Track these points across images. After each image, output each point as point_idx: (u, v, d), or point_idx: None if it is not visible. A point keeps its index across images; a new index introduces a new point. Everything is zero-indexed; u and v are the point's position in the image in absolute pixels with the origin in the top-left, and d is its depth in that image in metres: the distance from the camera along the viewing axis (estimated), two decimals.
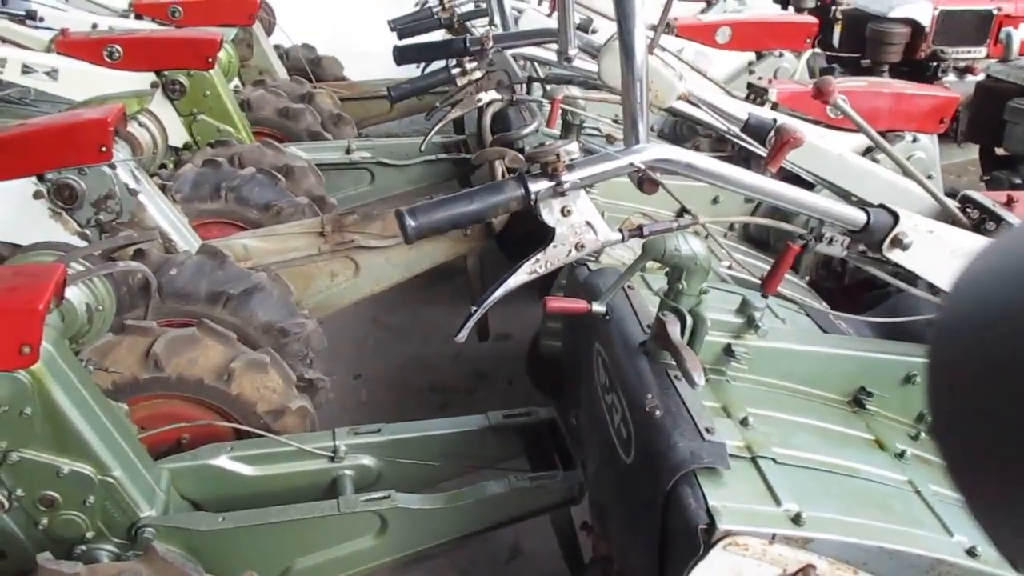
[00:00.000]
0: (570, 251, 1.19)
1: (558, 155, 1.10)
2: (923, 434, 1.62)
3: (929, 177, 2.47)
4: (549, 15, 3.41)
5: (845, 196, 1.77)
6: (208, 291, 2.23)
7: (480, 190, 1.14)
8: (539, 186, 1.13)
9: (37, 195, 2.37)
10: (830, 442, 1.51)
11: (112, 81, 3.17)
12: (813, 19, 3.60)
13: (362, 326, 3.43)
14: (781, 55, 3.53)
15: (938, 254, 1.37)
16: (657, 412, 1.42)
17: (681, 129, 3.44)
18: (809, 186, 2.16)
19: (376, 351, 3.31)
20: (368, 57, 4.97)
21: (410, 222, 1.12)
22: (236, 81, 4.03)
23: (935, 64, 3.57)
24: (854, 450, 1.51)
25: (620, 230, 1.22)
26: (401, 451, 1.97)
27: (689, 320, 1.49)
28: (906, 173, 1.59)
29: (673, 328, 1.47)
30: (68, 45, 3.20)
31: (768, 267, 1.92)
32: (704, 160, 1.22)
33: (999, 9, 3.50)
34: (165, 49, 3.25)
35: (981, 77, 3.29)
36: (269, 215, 2.88)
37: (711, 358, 1.60)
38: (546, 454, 2.03)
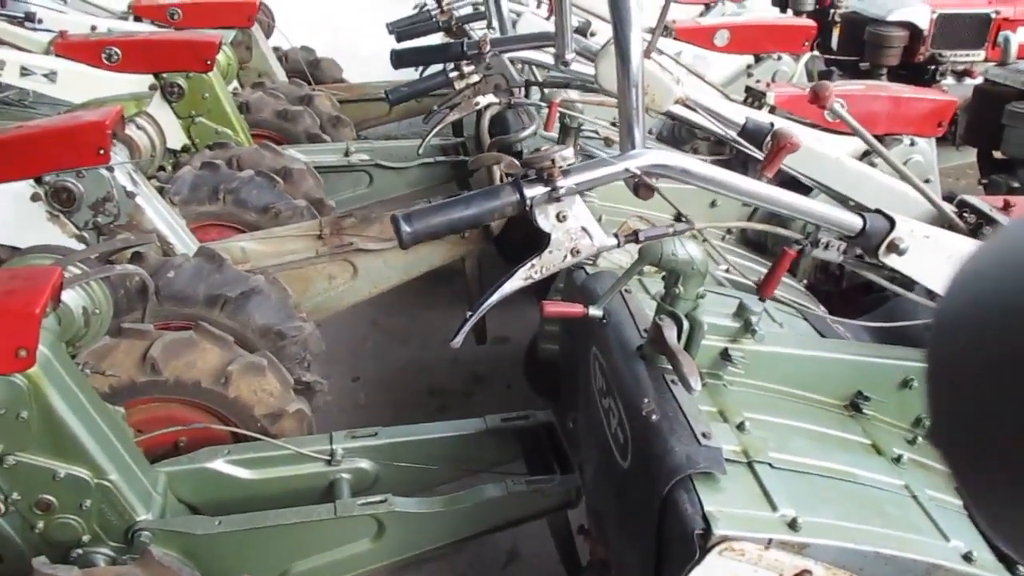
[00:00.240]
0: (565, 256, 1.19)
1: (553, 160, 1.10)
2: (920, 438, 1.62)
3: (927, 181, 2.47)
4: (547, 18, 3.41)
5: (842, 200, 1.77)
6: (206, 294, 2.23)
7: (475, 195, 1.14)
8: (534, 191, 1.13)
9: (35, 198, 2.37)
10: (827, 447, 1.51)
11: (111, 83, 3.17)
12: (811, 22, 3.60)
13: (361, 329, 3.43)
14: (779, 58, 3.53)
15: (934, 259, 1.37)
16: (653, 417, 1.42)
17: (680, 132, 3.44)
18: (807, 190, 2.17)
19: (374, 354, 3.31)
20: (367, 59, 4.97)
21: (405, 227, 1.12)
22: (235, 83, 4.03)
23: (933, 67, 3.58)
24: (851, 455, 1.51)
25: (616, 235, 1.22)
26: (398, 455, 1.97)
27: (686, 324, 1.49)
28: (903, 178, 1.59)
29: (670, 332, 1.47)
30: (67, 47, 3.20)
31: (766, 270, 1.92)
32: (699, 165, 1.22)
33: (997, 12, 3.50)
34: (163, 51, 3.25)
35: (979, 80, 3.29)
36: (267, 217, 2.88)
37: (708, 362, 1.60)
38: (544, 458, 2.03)
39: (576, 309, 1.53)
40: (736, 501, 1.29)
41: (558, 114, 2.18)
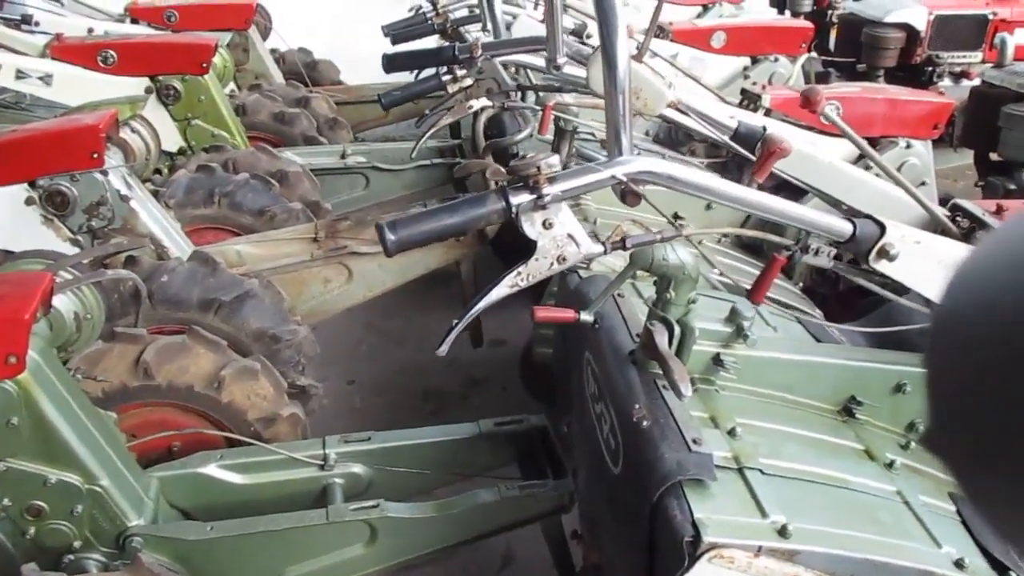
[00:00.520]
0: (552, 264, 1.19)
1: (539, 168, 1.10)
2: (913, 443, 1.62)
3: (923, 183, 2.47)
4: (543, 21, 3.41)
5: (835, 204, 1.77)
6: (200, 298, 2.22)
7: (461, 203, 1.13)
8: (520, 199, 1.13)
9: (29, 201, 2.37)
10: (819, 452, 1.51)
11: (106, 86, 3.16)
12: (808, 24, 3.60)
13: (357, 331, 3.43)
14: (776, 60, 3.53)
15: (925, 265, 1.36)
16: (644, 423, 1.42)
17: (677, 134, 3.43)
18: (803, 193, 2.16)
19: (370, 357, 3.31)
20: (365, 61, 4.97)
21: (390, 236, 1.11)
22: (232, 85, 4.03)
23: (931, 69, 3.57)
24: (843, 460, 1.51)
25: (603, 242, 1.21)
26: (391, 459, 1.96)
27: (677, 330, 1.49)
28: (895, 182, 1.59)
29: (661, 338, 1.47)
30: (62, 50, 3.20)
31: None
32: (687, 172, 1.21)
33: (994, 14, 3.49)
34: (159, 54, 3.25)
35: (977, 82, 3.29)
36: (263, 221, 2.87)
37: (700, 367, 1.59)
38: (537, 462, 2.02)
39: (567, 315, 1.52)
40: (726, 508, 1.29)
41: (553, 117, 2.17)
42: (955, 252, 1.42)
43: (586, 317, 1.54)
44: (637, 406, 1.46)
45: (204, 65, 3.25)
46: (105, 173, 2.40)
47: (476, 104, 2.18)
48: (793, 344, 1.72)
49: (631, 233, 1.48)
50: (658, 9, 1.58)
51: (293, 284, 2.61)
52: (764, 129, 1.58)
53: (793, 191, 2.18)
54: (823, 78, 3.79)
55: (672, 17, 3.66)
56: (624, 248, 1.21)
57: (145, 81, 3.23)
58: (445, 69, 2.23)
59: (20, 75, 3.11)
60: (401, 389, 3.10)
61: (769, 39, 3.52)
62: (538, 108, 2.22)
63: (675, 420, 1.43)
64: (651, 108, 1.59)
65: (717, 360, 1.59)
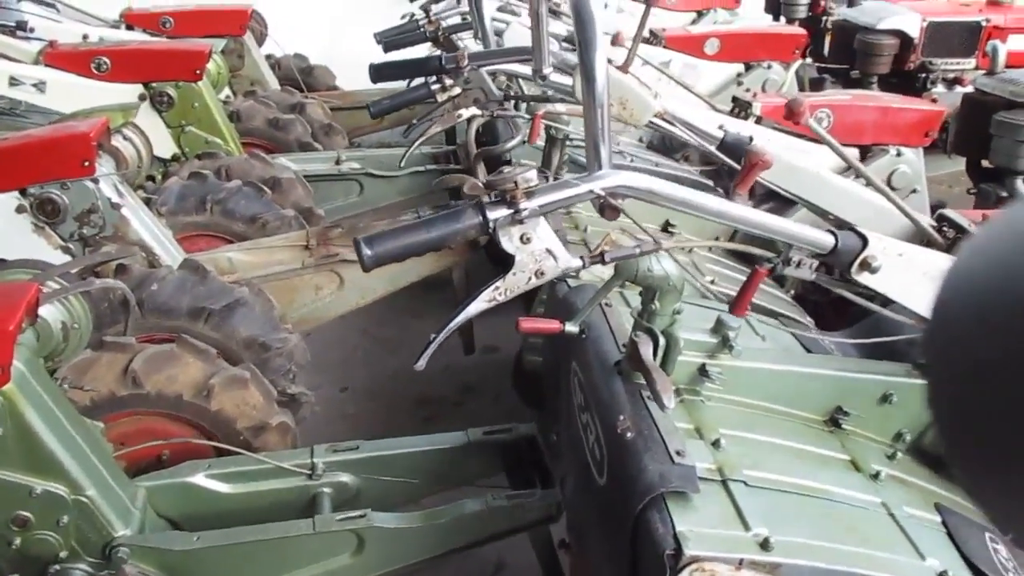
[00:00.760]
0: (530, 278, 1.19)
1: (516, 183, 1.10)
2: (900, 454, 1.61)
3: (914, 191, 2.47)
4: None
5: (822, 214, 1.77)
6: (190, 306, 2.23)
7: (438, 218, 1.13)
8: (497, 214, 1.13)
9: (20, 209, 2.37)
10: (804, 463, 1.50)
11: (100, 93, 3.17)
12: (802, 31, 3.60)
13: (351, 338, 3.43)
14: (770, 67, 3.53)
15: (908, 277, 1.36)
16: (628, 434, 1.42)
17: (670, 141, 3.43)
18: (792, 202, 2.16)
19: (364, 363, 3.31)
20: (362, 66, 4.97)
21: (367, 251, 1.11)
22: (227, 91, 4.03)
23: (924, 75, 3.57)
24: (828, 472, 1.50)
25: (581, 257, 1.21)
26: (380, 468, 1.96)
27: (662, 341, 1.49)
28: (880, 192, 1.59)
29: (645, 349, 1.47)
30: (56, 57, 3.20)
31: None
32: (666, 186, 1.21)
33: (988, 21, 3.49)
34: (153, 61, 3.26)
35: (970, 89, 3.29)
36: (255, 228, 2.87)
37: (685, 378, 1.59)
38: (526, 471, 2.02)
39: (552, 325, 1.52)
40: (709, 520, 1.29)
41: (543, 125, 2.17)
42: (938, 263, 1.42)
43: (571, 328, 1.53)
44: (622, 417, 1.45)
45: (198, 72, 3.26)
46: (96, 181, 2.40)
47: (465, 113, 2.18)
48: (779, 354, 1.72)
49: (621, 242, 1.48)
50: (644, 19, 1.58)
51: (285, 292, 2.61)
52: (750, 139, 1.58)
53: (783, 200, 2.18)
54: (817, 85, 3.80)
55: (666, 23, 3.66)
56: (603, 262, 1.21)
57: (139, 88, 3.23)
58: (435, 78, 2.23)
59: (14, 82, 3.12)
60: (395, 396, 3.10)
61: (762, 46, 3.53)
62: (528, 116, 2.22)
63: (659, 431, 1.43)
64: (636, 119, 1.59)
65: (703, 371, 1.59)
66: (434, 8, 3.52)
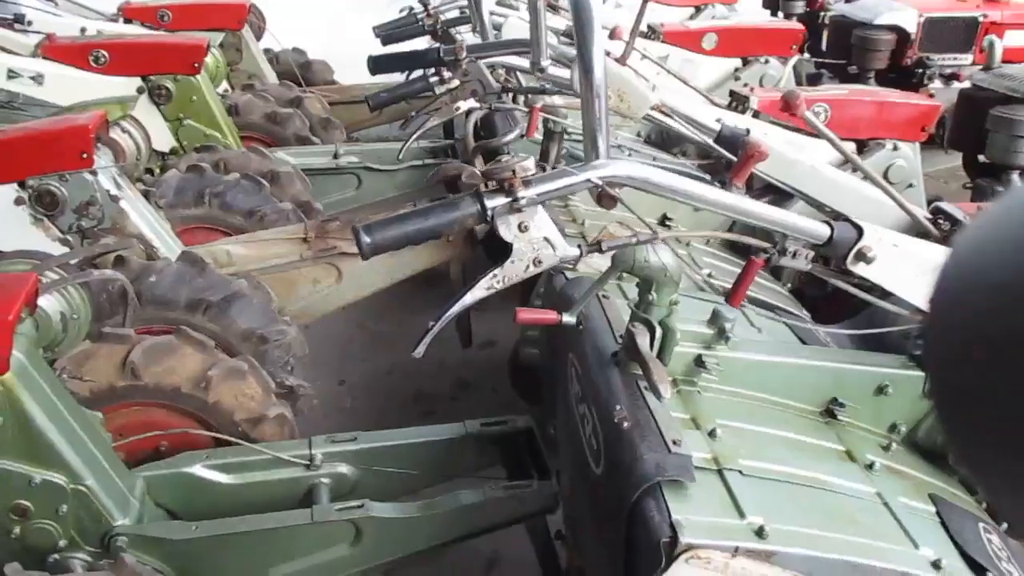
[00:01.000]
0: (528, 266, 1.19)
1: (514, 171, 1.11)
2: (895, 445, 1.62)
3: (910, 186, 2.48)
4: None
5: (819, 207, 1.77)
6: (188, 298, 2.23)
7: (436, 207, 1.14)
8: (495, 202, 1.13)
9: (18, 201, 2.38)
10: (799, 454, 1.51)
11: (98, 86, 3.17)
12: (799, 26, 3.61)
13: (348, 332, 3.44)
14: (767, 62, 3.54)
15: (903, 267, 1.37)
16: (625, 424, 1.43)
17: (668, 135, 3.44)
18: (789, 195, 2.17)
19: (361, 357, 3.32)
20: (361, 61, 4.97)
21: (365, 239, 1.12)
22: (225, 85, 4.03)
23: (921, 71, 3.58)
24: (823, 462, 1.51)
25: (579, 245, 1.22)
26: (378, 459, 1.97)
27: (659, 331, 1.50)
28: (877, 185, 1.60)
29: (642, 340, 1.48)
30: (54, 50, 3.21)
31: None
32: (663, 175, 1.22)
33: (985, 16, 3.50)
34: (151, 54, 3.26)
35: (967, 84, 3.30)
36: (253, 221, 2.88)
37: (682, 369, 1.60)
38: (523, 463, 2.03)
39: (550, 316, 1.53)
40: (704, 509, 1.29)
41: (541, 119, 2.18)
42: (934, 254, 1.43)
43: (568, 319, 1.54)
44: (618, 407, 1.46)
45: (196, 65, 3.26)
46: (95, 173, 2.41)
47: (463, 106, 2.18)
48: (775, 346, 1.73)
49: (618, 234, 1.49)
50: (641, 12, 1.58)
51: (283, 284, 2.62)
52: (747, 132, 1.59)
53: (781, 194, 2.19)
54: (815, 80, 3.80)
55: (664, 18, 3.67)
56: (600, 251, 1.22)
57: (137, 81, 3.24)
58: (433, 71, 2.24)
59: (12, 74, 3.12)
60: (392, 390, 3.11)
61: (760, 41, 3.53)
62: (526, 110, 2.22)
63: (656, 421, 1.43)
64: (634, 111, 1.60)
65: (699, 362, 1.59)
66: (433, 1, 3.51)
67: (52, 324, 1.77)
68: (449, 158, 3.68)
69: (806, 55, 3.91)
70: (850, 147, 2.34)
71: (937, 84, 3.59)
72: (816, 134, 2.28)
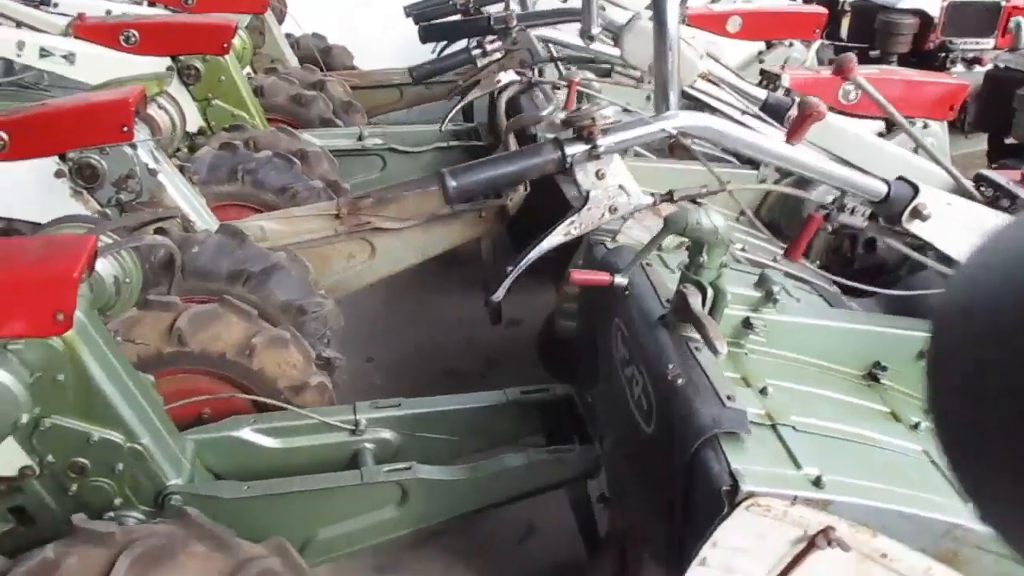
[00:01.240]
0: (603, 214, 1.22)
1: (594, 119, 1.13)
2: None
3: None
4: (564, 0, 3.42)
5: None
6: (229, 269, 2.26)
7: (517, 153, 1.17)
8: (575, 149, 1.16)
9: (59, 174, 2.40)
10: (846, 413, 1.54)
11: (128, 66, 3.19)
12: (823, 9, 3.63)
13: (374, 311, 3.46)
14: (791, 45, 3.56)
15: (955, 226, 1.40)
16: (679, 380, 1.46)
17: None
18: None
19: (388, 336, 3.34)
20: (379, 47, 5.01)
21: (451, 182, 1.15)
22: (247, 69, 4.05)
23: (943, 55, 3.60)
24: (870, 421, 1.54)
25: (652, 194, 1.25)
26: (420, 425, 2.00)
27: (710, 292, 1.53)
28: (922, 151, 1.62)
29: (694, 300, 1.51)
30: (85, 29, 3.23)
31: (780, 251, 1.96)
32: (732, 127, 1.25)
33: (1008, 0, 3.53)
34: (181, 34, 3.28)
35: (989, 67, 3.32)
36: (285, 198, 2.91)
37: (729, 331, 1.63)
38: (562, 431, 2.06)
39: (602, 277, 1.56)
40: (761, 460, 1.32)
41: (577, 94, 2.20)
42: (983, 215, 1.45)
43: (620, 280, 1.57)
44: (671, 366, 1.49)
45: (225, 45, 3.28)
46: (134, 147, 2.43)
47: (505, 77, 2.21)
48: (819, 310, 1.75)
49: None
50: None
51: (317, 259, 2.64)
52: (792, 100, 1.62)
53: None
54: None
55: (689, 2, 3.69)
56: (672, 200, 1.24)
57: (166, 61, 3.26)
58: (475, 43, 2.25)
59: (44, 53, 3.14)
60: (420, 368, 3.14)
61: (784, 24, 3.55)
62: (562, 84, 2.25)
63: (708, 378, 1.47)
64: (684, 78, 1.62)
65: (747, 324, 1.63)
66: None
67: (106, 287, 1.80)
68: (472, 141, 3.71)
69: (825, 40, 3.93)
70: (881, 125, 2.37)
71: (959, 68, 3.61)
72: (847, 112, 2.31)
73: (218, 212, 2.82)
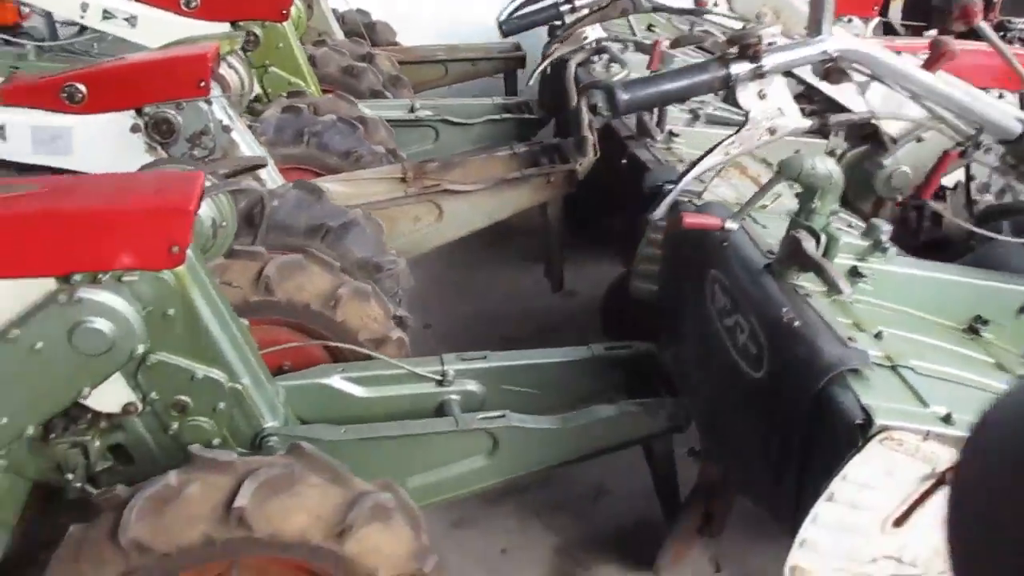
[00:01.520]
0: (762, 135, 1.22)
1: (759, 37, 1.13)
2: None
3: None
4: None
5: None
6: (307, 224, 2.26)
7: (684, 70, 1.17)
8: (740, 68, 1.16)
9: (134, 128, 2.41)
10: (956, 360, 1.54)
11: (188, 29, 3.18)
12: None
13: (428, 282, 3.46)
14: (850, 20, 3.55)
15: None
16: (796, 323, 1.46)
17: None
18: None
19: (443, 305, 3.34)
20: (420, 23, 5.01)
21: (622, 95, 1.15)
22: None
23: (1002, 34, 3.59)
24: (979, 368, 1.54)
25: (812, 112, 1.25)
26: (505, 378, 2.00)
27: (823, 238, 1.53)
28: None
29: (809, 244, 1.51)
30: None
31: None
32: (886, 54, 1.25)
33: None
34: None
35: None
36: (349, 162, 2.91)
37: None
38: (643, 390, 2.05)
39: (714, 222, 1.56)
40: (890, 397, 1.32)
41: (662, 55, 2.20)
42: None
43: (731, 224, 1.57)
44: (785, 309, 1.49)
45: (284, 12, 3.29)
46: (210, 103, 2.44)
47: (591, 34, 2.20)
48: (923, 262, 1.75)
49: (752, 169, 1.51)
50: None
51: (384, 221, 2.64)
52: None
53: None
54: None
55: None
56: (826, 124, 1.24)
57: (226, 26, 3.26)
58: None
59: (107, 15, 3.15)
60: (477, 335, 3.13)
61: (843, 0, 3.54)
62: (647, 42, 2.24)
63: (825, 321, 1.47)
64: (790, 28, 1.62)
65: (855, 272, 1.63)
66: None
67: (205, 230, 1.80)
68: (523, 114, 3.71)
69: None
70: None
71: (1018, 48, 3.60)
72: None
73: (282, 175, 2.82)
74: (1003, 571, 0.42)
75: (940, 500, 1.30)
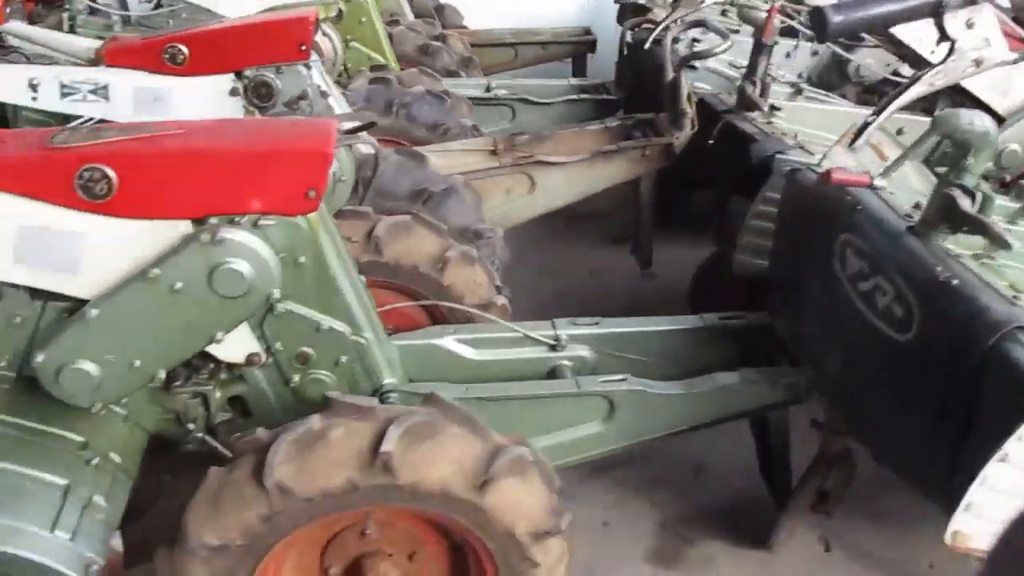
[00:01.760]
0: (968, 67, 1.18)
1: None
2: None
3: None
4: None
5: None
6: (410, 188, 2.24)
7: None
8: None
9: (233, 92, 2.40)
10: None
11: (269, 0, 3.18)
12: None
13: (509, 259, 3.43)
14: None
15: None
16: (954, 281, 1.41)
17: (831, 76, 3.42)
18: None
19: (524, 284, 3.29)
20: (486, 6, 5.01)
21: (834, 17, 1.11)
22: None
23: None
24: None
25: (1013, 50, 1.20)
26: (617, 345, 1.96)
27: (978, 195, 1.47)
28: None
29: (964, 201, 1.46)
30: None
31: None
32: None
33: None
34: None
35: None
36: (437, 134, 2.88)
37: (978, 243, 1.56)
38: (755, 362, 2.00)
39: (863, 179, 1.52)
40: None
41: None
42: None
43: (880, 182, 1.53)
44: (939, 268, 1.44)
45: None
46: (309, 67, 2.43)
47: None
48: None
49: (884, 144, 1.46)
50: None
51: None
52: None
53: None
54: None
55: None
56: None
57: None
58: None
59: None
60: (560, 313, 3.08)
61: None
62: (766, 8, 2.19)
63: (983, 280, 1.42)
64: None
65: None
66: None
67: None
68: (601, 95, 3.68)
69: None
70: None
71: None
72: None
73: None
74: None
75: None
